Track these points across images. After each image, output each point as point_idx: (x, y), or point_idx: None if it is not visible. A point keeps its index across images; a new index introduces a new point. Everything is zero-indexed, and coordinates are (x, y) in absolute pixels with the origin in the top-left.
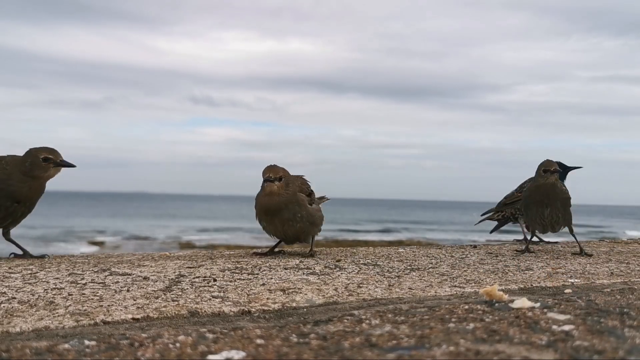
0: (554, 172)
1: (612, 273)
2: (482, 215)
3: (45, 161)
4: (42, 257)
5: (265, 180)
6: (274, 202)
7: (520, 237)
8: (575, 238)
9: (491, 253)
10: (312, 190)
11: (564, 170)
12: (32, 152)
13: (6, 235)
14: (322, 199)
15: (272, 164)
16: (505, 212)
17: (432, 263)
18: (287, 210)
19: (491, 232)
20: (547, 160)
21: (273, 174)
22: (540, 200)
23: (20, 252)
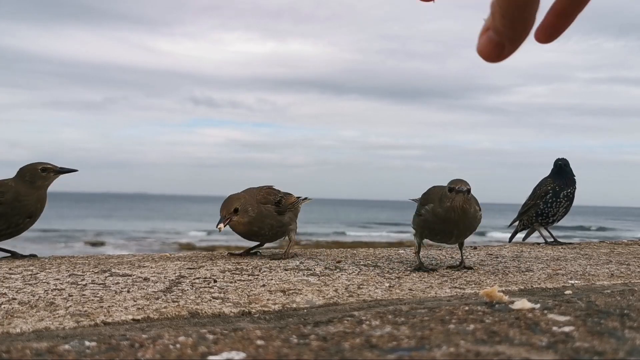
0: (460, 192)
1: (612, 274)
2: (508, 226)
3: (44, 171)
4: (32, 256)
5: (219, 222)
6: (242, 231)
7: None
8: (462, 252)
9: (491, 254)
10: (281, 197)
11: (565, 165)
12: (28, 167)
13: None
14: (303, 200)
15: (227, 198)
16: (523, 219)
17: (432, 264)
18: (256, 229)
19: (524, 239)
20: (457, 179)
21: (226, 211)
22: (446, 230)
23: (8, 254)
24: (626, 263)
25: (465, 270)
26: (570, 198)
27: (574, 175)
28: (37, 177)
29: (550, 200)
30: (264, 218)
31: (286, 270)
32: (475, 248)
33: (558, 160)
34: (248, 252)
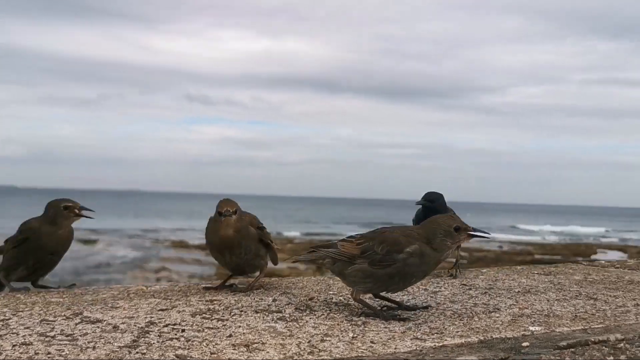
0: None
1: (576, 316)
2: None
3: (65, 209)
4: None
5: (222, 215)
6: (228, 237)
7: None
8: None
9: (465, 285)
10: (263, 226)
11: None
12: (53, 204)
13: (34, 284)
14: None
15: (227, 198)
16: None
17: (403, 301)
18: (239, 245)
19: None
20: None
21: (230, 208)
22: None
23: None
24: (594, 297)
25: (425, 309)
26: None
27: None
28: (59, 215)
29: None
30: (247, 237)
31: (257, 312)
32: (452, 276)
33: (426, 196)
34: (223, 285)
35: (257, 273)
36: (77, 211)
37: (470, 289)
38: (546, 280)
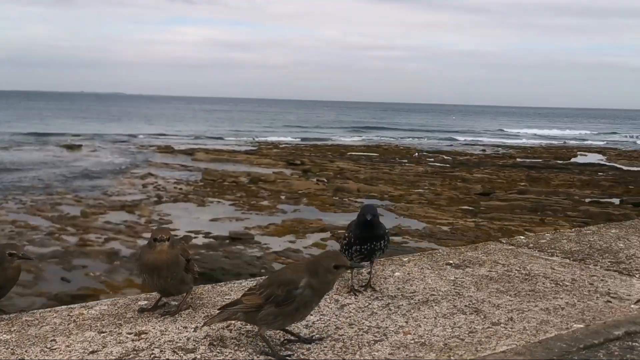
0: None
1: (445, 344)
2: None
3: (10, 256)
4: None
5: (157, 240)
6: (160, 260)
7: None
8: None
9: (375, 291)
10: (191, 259)
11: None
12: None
13: None
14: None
15: (162, 227)
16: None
17: (322, 322)
18: (168, 269)
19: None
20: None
21: (164, 235)
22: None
23: None
24: (479, 307)
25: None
26: (364, 252)
27: (383, 230)
28: (4, 260)
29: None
30: (176, 265)
31: (174, 352)
32: (364, 288)
33: (365, 210)
34: (157, 306)
35: (184, 295)
36: (19, 256)
37: (376, 298)
38: (452, 278)
